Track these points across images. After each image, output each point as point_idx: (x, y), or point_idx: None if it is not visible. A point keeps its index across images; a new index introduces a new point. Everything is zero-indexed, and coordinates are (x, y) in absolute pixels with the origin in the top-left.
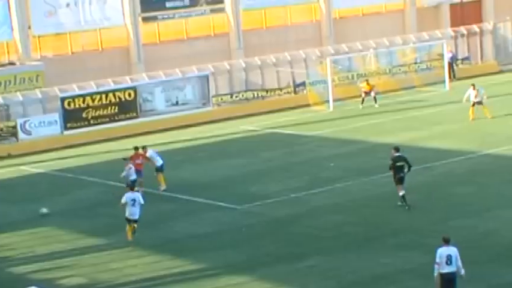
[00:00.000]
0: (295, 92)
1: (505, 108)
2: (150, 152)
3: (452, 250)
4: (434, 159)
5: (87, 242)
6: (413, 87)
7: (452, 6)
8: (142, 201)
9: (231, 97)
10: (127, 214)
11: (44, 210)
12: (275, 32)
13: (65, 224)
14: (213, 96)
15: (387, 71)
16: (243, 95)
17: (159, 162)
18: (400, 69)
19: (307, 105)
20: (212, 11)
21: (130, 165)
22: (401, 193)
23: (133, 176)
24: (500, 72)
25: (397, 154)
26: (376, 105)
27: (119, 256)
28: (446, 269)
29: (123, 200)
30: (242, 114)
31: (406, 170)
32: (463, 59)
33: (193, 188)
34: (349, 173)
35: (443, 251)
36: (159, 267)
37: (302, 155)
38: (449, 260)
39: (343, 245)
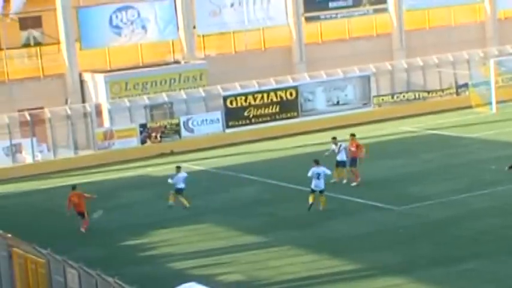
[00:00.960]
0: (457, 94)
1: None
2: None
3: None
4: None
5: (245, 240)
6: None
7: None
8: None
9: (392, 98)
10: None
11: (96, 214)
12: (438, 33)
13: (223, 221)
14: (374, 97)
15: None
16: (404, 96)
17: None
18: None
19: (469, 107)
20: (375, 11)
21: None
22: None
23: (181, 185)
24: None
25: None
26: None
27: (276, 254)
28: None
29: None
30: (403, 115)
31: None
32: None
33: (352, 187)
34: (510, 176)
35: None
36: (316, 266)
37: (462, 156)
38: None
39: (502, 248)
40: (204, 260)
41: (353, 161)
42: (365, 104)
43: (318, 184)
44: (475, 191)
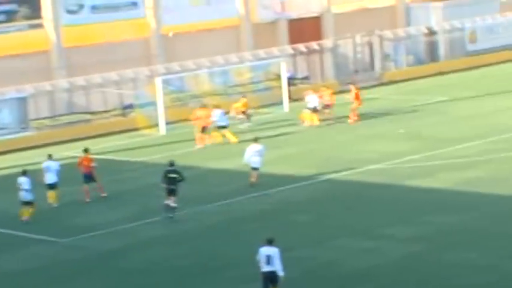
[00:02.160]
0: (123, 115)
1: (346, 131)
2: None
3: (272, 251)
4: (271, 185)
5: None
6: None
7: (291, 22)
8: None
9: (53, 120)
10: None
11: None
12: (101, 50)
13: None
14: (32, 120)
15: (222, 91)
16: (65, 118)
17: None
18: (235, 90)
19: (137, 129)
20: (30, 26)
21: None
22: (167, 202)
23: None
24: (341, 92)
25: (171, 168)
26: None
27: None
28: (266, 268)
29: None
30: (65, 139)
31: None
32: (302, 79)
33: (13, 220)
34: (183, 202)
35: (263, 251)
36: None
37: (131, 182)
38: (268, 259)
39: (171, 280)
40: None
41: (87, 177)
42: (23, 128)
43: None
44: (144, 219)
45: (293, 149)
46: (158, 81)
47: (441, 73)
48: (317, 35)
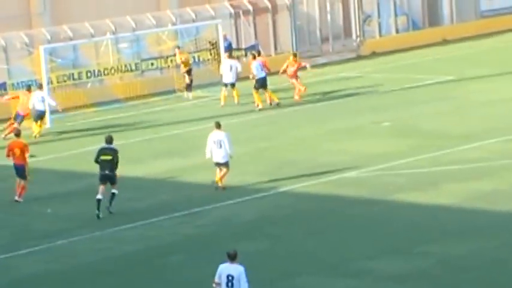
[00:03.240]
0: None
1: (309, 123)
2: None
3: (236, 269)
4: (207, 201)
5: None
6: (174, 91)
7: None
8: None
9: None
10: None
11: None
12: None
13: None
14: None
15: (133, 66)
16: None
17: None
18: (152, 65)
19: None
20: None
21: None
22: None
23: None
24: (304, 68)
25: (106, 146)
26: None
27: None
28: None
29: None
30: None
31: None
32: (247, 49)
33: None
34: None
35: (224, 269)
36: None
37: None
38: (230, 281)
39: None
40: None
41: None
42: None
43: None
44: (20, 249)
45: (236, 148)
46: (42, 50)
47: (445, 42)
48: None
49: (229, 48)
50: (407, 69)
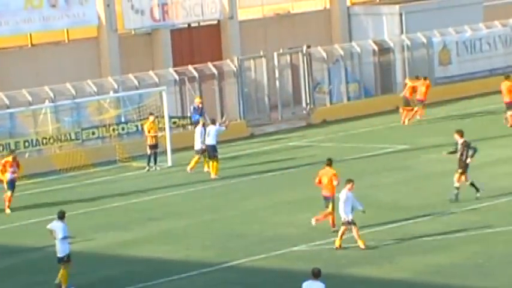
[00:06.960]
0: None
1: (258, 194)
2: None
3: (318, 285)
4: (149, 277)
5: None
6: (116, 161)
7: (176, 33)
8: None
9: None
10: None
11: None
12: None
13: None
14: None
15: (73, 135)
16: None
17: None
18: (93, 134)
19: None
20: None
21: None
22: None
23: None
24: (252, 136)
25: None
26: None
27: None
28: None
29: None
30: None
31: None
32: (192, 117)
33: None
34: None
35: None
36: None
37: None
38: None
39: None
40: None
41: None
42: None
43: None
44: None
45: (178, 221)
46: None
47: (398, 109)
48: (215, 52)
49: (200, 116)
50: (360, 138)
